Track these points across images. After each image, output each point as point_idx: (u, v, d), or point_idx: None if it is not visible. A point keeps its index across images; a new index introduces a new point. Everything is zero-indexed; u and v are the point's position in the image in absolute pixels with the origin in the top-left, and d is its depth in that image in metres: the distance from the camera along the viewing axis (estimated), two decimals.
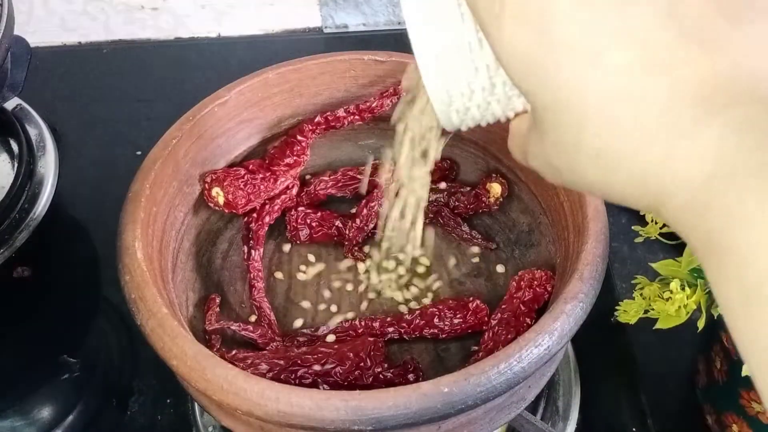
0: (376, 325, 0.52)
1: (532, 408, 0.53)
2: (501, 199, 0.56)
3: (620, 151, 0.23)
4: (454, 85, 0.29)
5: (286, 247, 0.58)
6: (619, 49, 0.22)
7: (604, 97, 0.23)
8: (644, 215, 0.45)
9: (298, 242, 0.57)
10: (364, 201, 0.57)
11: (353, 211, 0.58)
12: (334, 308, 0.54)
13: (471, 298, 0.52)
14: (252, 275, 0.53)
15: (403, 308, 0.53)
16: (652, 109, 0.22)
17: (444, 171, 0.59)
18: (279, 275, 0.56)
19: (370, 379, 0.47)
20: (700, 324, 0.44)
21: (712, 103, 0.22)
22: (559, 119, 0.24)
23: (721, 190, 0.21)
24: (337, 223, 0.57)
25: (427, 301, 0.54)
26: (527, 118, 0.27)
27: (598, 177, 0.24)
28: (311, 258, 0.57)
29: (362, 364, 0.48)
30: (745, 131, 0.21)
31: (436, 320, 0.51)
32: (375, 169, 0.59)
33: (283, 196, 0.56)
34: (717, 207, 0.21)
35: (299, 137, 0.56)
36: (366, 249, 0.57)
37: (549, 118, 0.24)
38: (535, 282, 0.50)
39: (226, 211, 0.54)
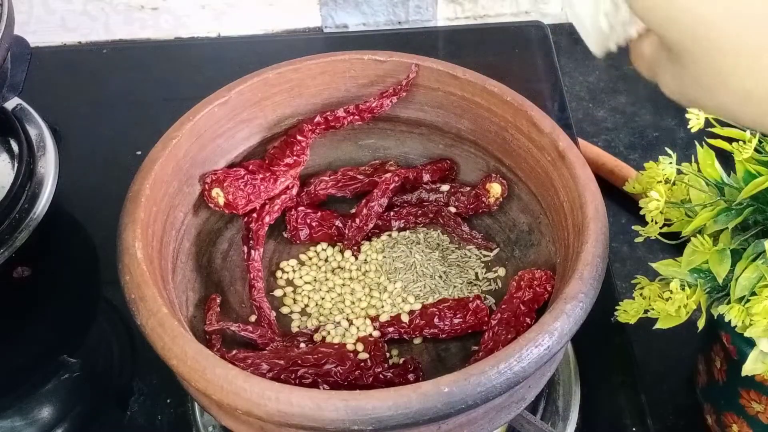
0: (376, 324, 0.52)
1: (532, 408, 0.53)
2: (501, 199, 0.56)
3: None
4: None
5: (286, 247, 0.58)
6: None
7: (760, 44, 0.23)
8: (644, 215, 0.45)
9: (298, 242, 0.57)
10: (364, 201, 0.57)
11: (353, 211, 0.58)
12: (334, 308, 0.54)
13: (471, 298, 0.52)
14: (252, 275, 0.53)
15: (403, 308, 0.53)
16: None
17: (444, 171, 0.59)
18: (279, 275, 0.56)
19: (370, 379, 0.47)
20: (700, 324, 0.44)
21: None
22: (704, 61, 0.24)
23: None
24: (337, 222, 0.57)
25: (428, 300, 0.54)
26: (652, 41, 0.27)
27: (745, 112, 0.25)
28: (311, 258, 0.57)
29: (362, 364, 0.48)
30: None
31: (436, 320, 0.51)
32: (375, 169, 0.59)
33: (283, 196, 0.56)
34: None
35: (299, 137, 0.56)
36: (366, 248, 0.57)
37: (691, 58, 0.25)
38: (535, 282, 0.50)
39: (227, 211, 0.54)
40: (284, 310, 0.54)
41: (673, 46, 0.26)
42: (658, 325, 0.44)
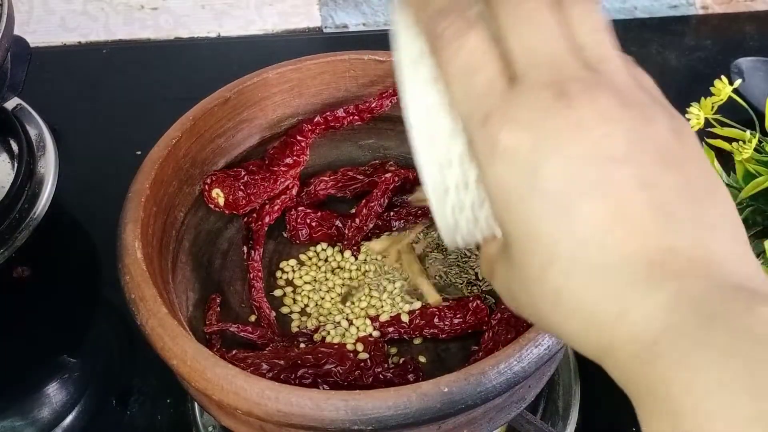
0: (376, 324, 0.52)
1: (532, 408, 0.53)
2: None
3: (579, 299, 0.24)
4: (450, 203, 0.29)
5: (286, 247, 0.58)
6: (593, 200, 0.23)
7: (572, 242, 0.24)
8: None
9: (297, 242, 0.57)
10: (364, 201, 0.57)
11: (353, 211, 0.58)
12: (333, 308, 0.54)
13: (471, 298, 0.52)
14: (252, 275, 0.53)
15: (403, 308, 0.53)
16: (612, 264, 0.23)
17: None
18: (279, 275, 0.56)
19: (370, 379, 0.47)
20: None
21: (668, 271, 0.23)
22: (527, 254, 0.25)
23: (665, 351, 0.22)
24: (337, 222, 0.57)
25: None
26: (498, 242, 0.28)
27: (554, 317, 0.25)
28: (311, 258, 0.57)
29: (362, 364, 0.48)
30: (691, 302, 0.22)
31: (436, 320, 0.51)
32: (375, 169, 0.59)
33: (283, 196, 0.56)
34: (660, 364, 0.22)
35: (299, 137, 0.56)
36: (365, 248, 0.57)
37: (518, 250, 0.25)
38: None
39: (227, 211, 0.54)
40: (284, 310, 0.54)
41: (508, 239, 0.26)
42: None
